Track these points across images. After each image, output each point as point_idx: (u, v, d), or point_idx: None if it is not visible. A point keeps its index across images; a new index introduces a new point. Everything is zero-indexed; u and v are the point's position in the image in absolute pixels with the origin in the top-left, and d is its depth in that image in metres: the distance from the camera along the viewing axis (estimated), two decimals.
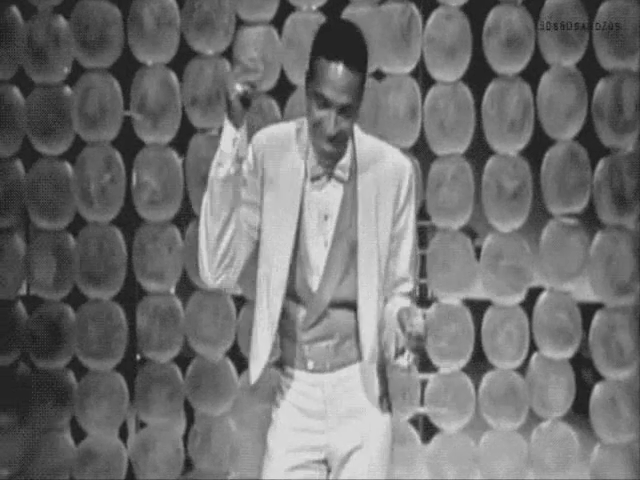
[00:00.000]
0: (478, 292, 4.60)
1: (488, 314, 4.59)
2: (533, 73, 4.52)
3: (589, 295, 4.62)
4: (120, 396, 4.63)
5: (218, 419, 4.62)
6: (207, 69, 4.52)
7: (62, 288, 4.63)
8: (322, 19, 4.40)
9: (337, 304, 2.54)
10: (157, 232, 4.59)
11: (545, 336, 4.55)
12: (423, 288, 5.31)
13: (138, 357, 4.90)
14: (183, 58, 4.56)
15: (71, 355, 4.63)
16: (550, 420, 4.58)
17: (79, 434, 4.69)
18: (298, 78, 4.40)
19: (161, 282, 4.60)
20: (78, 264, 4.59)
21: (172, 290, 4.69)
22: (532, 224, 4.58)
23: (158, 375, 4.62)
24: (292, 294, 2.54)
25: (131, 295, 4.85)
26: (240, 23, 4.54)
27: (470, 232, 4.72)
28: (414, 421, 4.71)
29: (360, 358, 2.56)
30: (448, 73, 4.52)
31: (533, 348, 4.58)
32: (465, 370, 4.58)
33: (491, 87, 4.53)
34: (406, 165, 2.58)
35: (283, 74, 4.51)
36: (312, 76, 2.42)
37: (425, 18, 4.52)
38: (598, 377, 4.59)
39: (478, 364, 4.62)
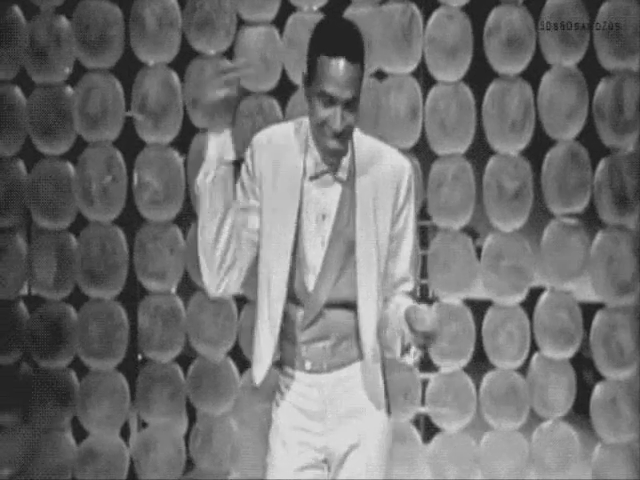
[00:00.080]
0: (479, 292, 4.60)
1: (489, 314, 4.59)
2: (534, 73, 4.52)
3: (590, 295, 4.62)
4: (121, 396, 4.64)
5: (219, 419, 4.62)
6: (208, 69, 4.53)
7: (64, 288, 4.63)
8: None
9: (335, 304, 2.54)
10: (158, 232, 4.59)
11: (546, 336, 4.56)
12: (424, 288, 5.32)
13: (139, 357, 4.91)
14: (184, 58, 4.56)
15: (72, 355, 4.64)
16: (551, 420, 4.59)
17: (80, 434, 4.70)
18: (299, 78, 4.40)
19: (162, 282, 4.61)
20: (79, 264, 4.60)
21: (173, 290, 4.69)
22: (533, 224, 4.58)
23: (159, 375, 4.62)
24: (291, 295, 2.54)
25: (132, 295, 4.86)
26: (241, 23, 4.55)
27: (471, 232, 4.72)
28: (415, 421, 4.71)
29: (360, 357, 2.57)
30: (449, 73, 4.53)
31: (534, 348, 4.59)
32: (466, 370, 4.59)
33: (492, 87, 4.53)
34: (405, 166, 2.59)
35: (284, 74, 4.51)
36: (313, 76, 2.43)
37: (426, 18, 4.53)
38: (599, 377, 4.59)
39: (479, 364, 4.62)
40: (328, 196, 2.53)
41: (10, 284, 4.65)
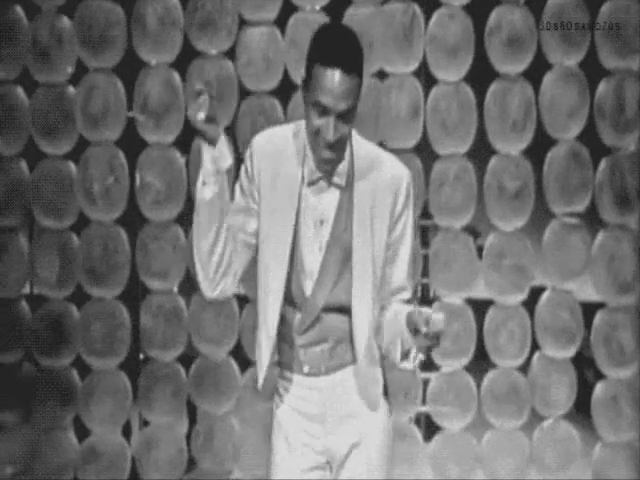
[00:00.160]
0: (480, 291, 4.61)
1: (490, 313, 4.60)
2: (535, 73, 4.52)
3: (591, 294, 4.62)
4: (123, 394, 4.64)
5: (221, 418, 4.63)
6: (210, 69, 4.53)
7: (66, 287, 4.64)
8: (325, 19, 4.41)
9: (331, 308, 2.54)
10: (160, 231, 4.60)
11: (547, 335, 4.56)
12: (425, 287, 5.32)
13: (141, 356, 4.92)
14: (186, 58, 4.57)
15: (75, 354, 4.64)
16: (552, 419, 4.59)
17: (83, 432, 4.70)
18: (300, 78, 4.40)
19: (164, 281, 4.61)
20: (82, 263, 4.61)
21: (175, 289, 4.70)
22: (534, 223, 4.58)
23: (161, 374, 4.63)
24: (289, 299, 2.55)
25: (135, 294, 4.87)
26: (243, 23, 4.55)
27: (472, 231, 4.73)
28: (416, 420, 4.72)
29: (354, 361, 2.57)
30: (450, 73, 4.53)
31: (535, 347, 4.59)
32: (467, 369, 4.60)
33: (493, 87, 4.54)
34: (403, 174, 2.57)
35: (286, 74, 4.51)
36: (309, 84, 2.41)
37: (427, 18, 4.53)
38: (600, 376, 4.59)
39: (480, 363, 4.62)
40: (326, 202, 2.52)
41: (12, 283, 4.66)
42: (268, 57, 4.51)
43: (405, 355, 2.43)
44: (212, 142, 2.45)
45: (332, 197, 2.53)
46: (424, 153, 4.57)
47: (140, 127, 4.58)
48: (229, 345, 4.60)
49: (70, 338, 4.63)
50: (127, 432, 5.14)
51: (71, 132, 4.60)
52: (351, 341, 2.56)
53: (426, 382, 4.66)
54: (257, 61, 4.52)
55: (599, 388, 4.58)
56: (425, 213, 4.70)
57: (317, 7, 4.52)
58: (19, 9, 4.60)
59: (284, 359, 2.61)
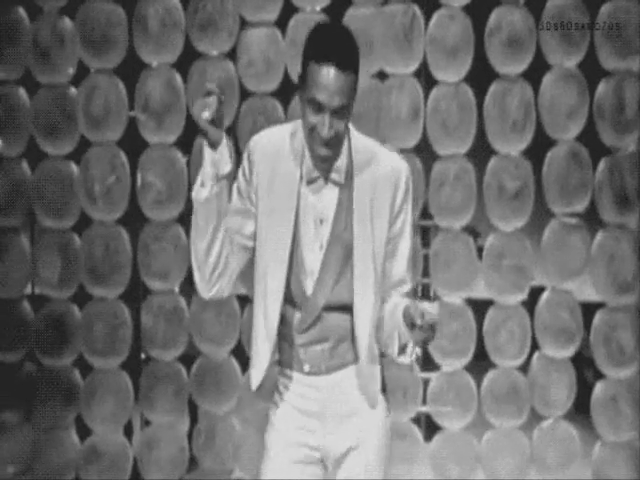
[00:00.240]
0: (480, 291, 4.62)
1: (490, 313, 4.61)
2: (535, 73, 4.53)
3: (590, 294, 4.63)
4: (125, 394, 4.66)
5: (222, 417, 4.64)
6: (211, 70, 4.55)
7: (67, 287, 4.66)
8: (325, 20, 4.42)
9: (332, 307, 2.54)
10: (162, 231, 4.61)
11: (547, 335, 4.57)
12: (425, 287, 5.33)
13: (143, 355, 4.93)
14: (187, 59, 4.58)
15: (76, 353, 4.66)
16: (552, 418, 4.60)
17: (84, 432, 4.71)
18: None
19: (166, 281, 4.62)
20: (83, 263, 4.62)
21: (176, 289, 4.71)
22: (534, 223, 4.59)
23: (163, 373, 4.64)
24: (288, 298, 2.55)
25: (136, 294, 4.89)
26: (244, 24, 4.56)
27: (472, 232, 4.74)
28: (416, 419, 4.72)
29: (356, 360, 2.58)
30: (450, 73, 4.54)
31: (535, 347, 4.60)
32: (467, 369, 4.60)
33: (493, 87, 4.55)
34: (402, 167, 2.57)
35: (286, 75, 4.52)
36: (304, 81, 2.41)
37: (427, 19, 4.54)
38: (599, 376, 4.60)
39: (480, 363, 4.63)
40: (325, 200, 2.53)
41: (14, 283, 4.67)
42: (269, 58, 4.52)
43: (402, 349, 2.44)
44: (214, 145, 2.46)
45: (331, 195, 2.53)
46: (424, 153, 4.58)
47: (141, 127, 4.59)
48: (230, 345, 4.61)
49: (72, 338, 4.64)
50: (129, 432, 5.15)
51: (72, 132, 4.62)
52: (352, 340, 2.57)
53: (426, 382, 4.67)
54: (258, 62, 4.53)
55: (599, 388, 4.59)
56: (425, 213, 4.71)
57: (317, 8, 4.53)
58: (21, 10, 4.62)
59: (284, 358, 2.62)
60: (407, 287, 2.62)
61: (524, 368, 4.61)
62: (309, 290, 2.54)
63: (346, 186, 2.53)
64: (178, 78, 4.58)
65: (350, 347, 2.58)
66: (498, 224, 4.59)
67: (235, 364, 4.64)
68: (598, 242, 4.57)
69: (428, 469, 4.59)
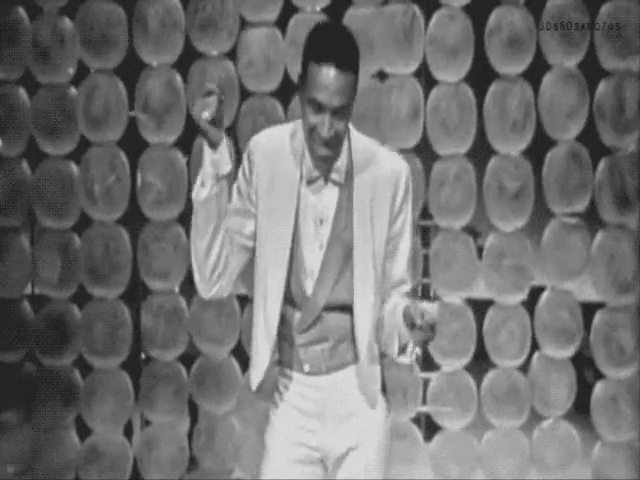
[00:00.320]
0: (480, 291, 4.62)
1: (490, 313, 4.61)
2: (535, 73, 4.53)
3: (590, 294, 4.63)
4: (125, 394, 4.66)
5: (222, 417, 4.64)
6: (211, 70, 4.55)
7: (67, 287, 4.66)
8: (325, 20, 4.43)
9: (332, 307, 2.54)
10: (162, 231, 4.62)
11: (547, 335, 4.57)
12: (425, 287, 5.33)
13: (143, 355, 4.93)
14: (187, 59, 4.58)
15: (76, 353, 4.66)
16: (552, 419, 4.60)
17: (84, 432, 4.71)
18: None
19: (166, 281, 4.63)
20: (83, 263, 4.62)
21: (176, 289, 4.71)
22: (534, 223, 4.59)
23: (163, 373, 4.64)
24: (288, 298, 2.55)
25: (136, 294, 4.89)
26: (244, 24, 4.57)
27: (472, 232, 4.74)
28: (416, 419, 4.73)
29: (356, 360, 2.58)
30: (450, 73, 4.54)
31: (535, 347, 4.60)
32: (467, 369, 4.61)
33: (493, 87, 4.55)
34: (402, 167, 2.57)
35: (287, 75, 4.53)
36: (304, 81, 2.42)
37: (427, 19, 4.54)
38: (599, 376, 4.60)
39: (480, 363, 4.63)
40: (325, 200, 2.53)
41: (14, 283, 4.67)
42: (269, 58, 4.52)
43: (402, 349, 2.45)
44: (214, 145, 2.47)
45: (331, 195, 2.53)
46: (424, 153, 4.58)
47: (141, 128, 4.60)
48: (230, 345, 4.62)
49: (72, 338, 4.64)
50: (129, 431, 5.15)
51: (72, 132, 4.62)
52: (352, 340, 2.57)
53: (426, 382, 4.67)
54: (258, 62, 4.53)
55: (599, 388, 4.59)
56: (425, 213, 4.71)
57: (318, 8, 4.54)
58: (21, 10, 4.62)
59: (284, 358, 2.62)
60: (407, 287, 2.63)
61: (524, 368, 4.61)
62: (309, 290, 2.54)
63: (346, 186, 2.53)
64: (178, 78, 4.59)
65: (350, 347, 2.58)
66: (498, 224, 4.59)
67: (235, 364, 4.64)
68: (598, 242, 4.57)
69: (428, 469, 4.59)
